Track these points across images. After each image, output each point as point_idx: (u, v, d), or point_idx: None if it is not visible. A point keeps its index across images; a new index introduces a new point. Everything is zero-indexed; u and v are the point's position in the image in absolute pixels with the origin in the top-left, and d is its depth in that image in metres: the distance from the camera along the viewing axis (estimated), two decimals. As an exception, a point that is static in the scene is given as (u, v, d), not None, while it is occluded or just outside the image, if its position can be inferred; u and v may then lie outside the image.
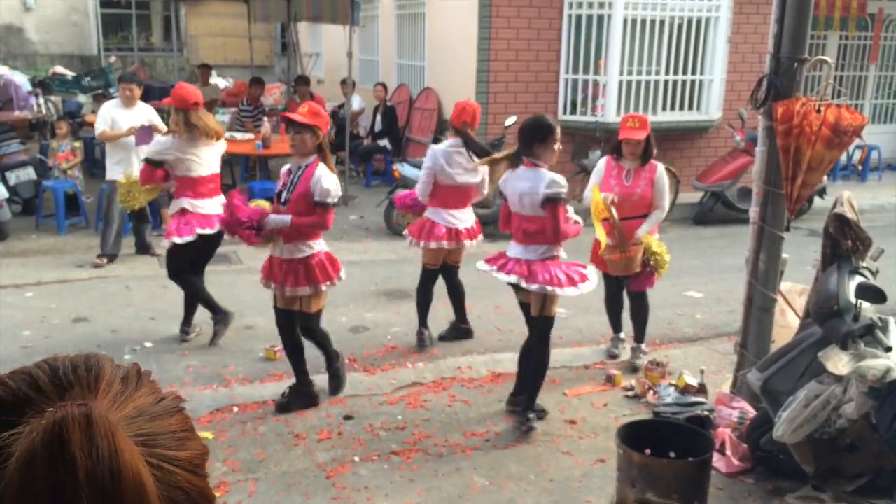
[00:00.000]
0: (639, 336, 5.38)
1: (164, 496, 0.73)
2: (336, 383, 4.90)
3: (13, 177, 8.63)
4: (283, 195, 4.46)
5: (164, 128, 7.18)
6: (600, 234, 4.71)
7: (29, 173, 8.80)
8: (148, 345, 5.54)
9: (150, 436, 0.75)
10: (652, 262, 5.00)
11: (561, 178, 4.28)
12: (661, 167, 5.09)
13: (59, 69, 16.15)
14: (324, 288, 4.60)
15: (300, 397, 4.70)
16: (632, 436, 3.41)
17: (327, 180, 4.35)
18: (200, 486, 0.79)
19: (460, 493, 3.83)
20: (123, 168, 7.09)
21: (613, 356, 5.46)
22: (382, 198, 9.44)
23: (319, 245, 4.60)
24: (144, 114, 7.23)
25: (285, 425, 4.46)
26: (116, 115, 7.10)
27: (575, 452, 4.24)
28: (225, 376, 5.06)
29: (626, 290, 5.29)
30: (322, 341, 4.80)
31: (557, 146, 4.36)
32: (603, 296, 5.40)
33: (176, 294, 6.47)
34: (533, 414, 4.44)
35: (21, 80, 12.88)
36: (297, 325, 4.68)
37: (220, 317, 5.57)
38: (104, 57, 18.34)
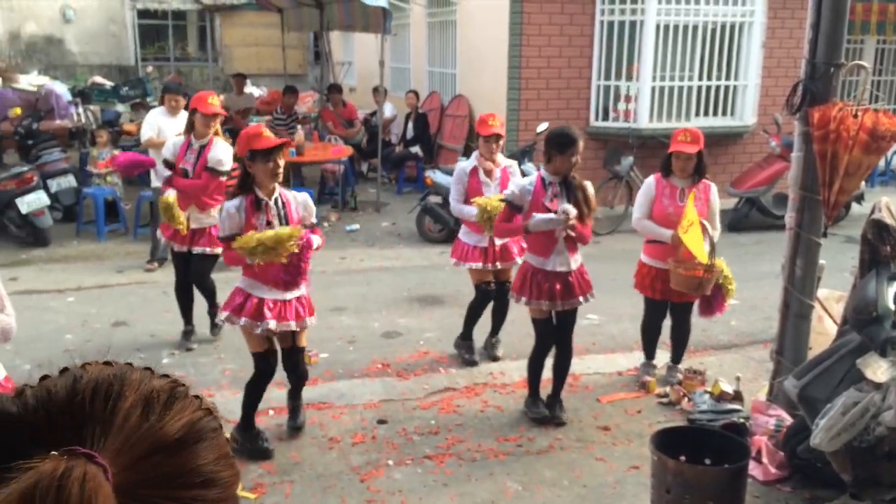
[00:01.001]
0: (677, 357, 5.23)
1: None
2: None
3: (54, 184, 8.83)
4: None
5: None
6: (698, 250, 4.41)
7: (70, 181, 8.99)
8: (193, 347, 5.63)
9: (168, 476, 0.71)
10: (723, 286, 4.82)
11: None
12: (714, 187, 4.94)
13: (98, 79, 16.51)
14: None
15: None
16: (666, 442, 3.40)
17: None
18: None
19: (493, 498, 3.84)
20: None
21: (644, 386, 5.09)
22: (414, 204, 9.50)
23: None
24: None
25: (320, 429, 4.51)
26: (162, 124, 7.18)
27: (609, 459, 4.23)
28: (260, 380, 5.12)
29: (677, 311, 5.07)
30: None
31: (575, 159, 4.33)
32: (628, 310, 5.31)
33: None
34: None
35: (61, 90, 13.17)
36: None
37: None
38: (141, 67, 18.70)
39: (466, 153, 10.10)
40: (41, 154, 9.04)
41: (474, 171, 5.34)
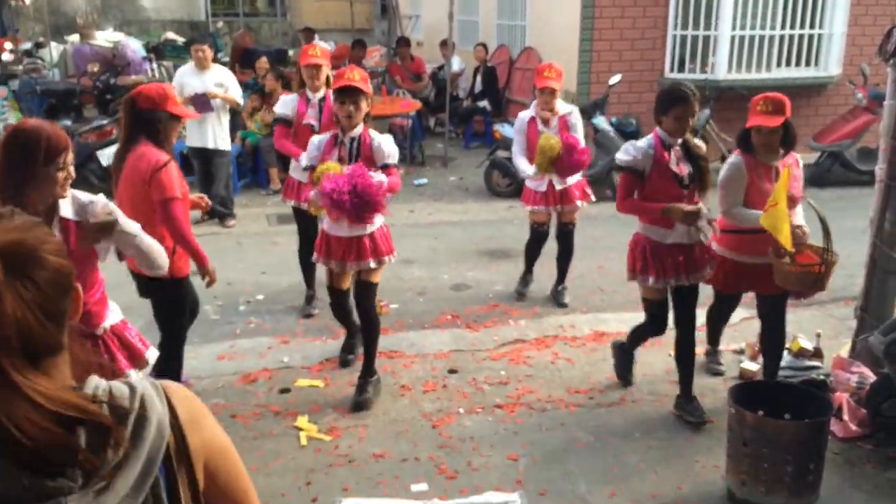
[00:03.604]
0: (770, 374, 4.32)
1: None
2: (361, 388, 4.29)
3: (132, 138, 9.05)
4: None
5: (229, 91, 7.06)
6: (783, 235, 3.63)
7: (147, 134, 9.21)
8: (260, 297, 5.76)
9: None
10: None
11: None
12: (801, 160, 4.12)
13: (171, 35, 16.76)
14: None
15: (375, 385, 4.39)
16: (744, 397, 3.33)
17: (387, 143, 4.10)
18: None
19: (565, 447, 3.84)
20: (199, 138, 7.09)
21: (719, 373, 4.64)
22: (482, 159, 9.43)
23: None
24: (216, 78, 7.11)
25: (391, 376, 4.57)
26: (186, 81, 7.01)
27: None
28: (333, 329, 5.20)
29: (767, 307, 4.21)
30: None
31: (688, 120, 3.85)
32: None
33: (284, 249, 6.72)
34: None
35: (136, 46, 13.44)
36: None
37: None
38: (212, 22, 18.91)
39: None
40: (119, 108, 9.27)
41: (532, 120, 5.47)
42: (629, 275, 4.12)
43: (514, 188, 8.78)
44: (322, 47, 5.34)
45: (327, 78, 5.09)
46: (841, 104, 9.76)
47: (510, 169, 8.72)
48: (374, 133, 4.12)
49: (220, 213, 7.51)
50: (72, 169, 2.68)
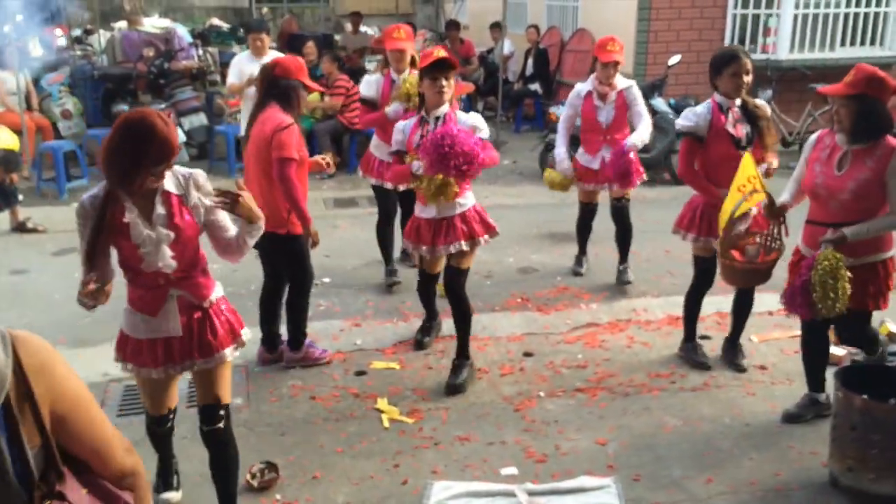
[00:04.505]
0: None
1: None
2: (457, 370, 4.21)
3: (187, 122, 9.11)
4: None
5: None
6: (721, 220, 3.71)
7: (201, 119, 9.26)
8: (326, 280, 5.74)
9: None
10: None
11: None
12: None
13: (216, 21, 16.83)
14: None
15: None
16: (850, 381, 3.22)
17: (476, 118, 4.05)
18: None
19: (653, 431, 3.76)
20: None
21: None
22: (534, 142, 9.34)
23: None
24: None
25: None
26: (245, 68, 6.94)
27: (768, 398, 4.07)
28: (403, 311, 5.17)
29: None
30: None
31: (741, 78, 3.98)
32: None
33: (344, 233, 6.70)
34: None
35: (183, 32, 13.51)
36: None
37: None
38: (255, 9, 18.95)
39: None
40: (174, 93, 9.32)
41: (589, 94, 5.39)
42: (674, 228, 4.36)
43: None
44: (406, 28, 5.26)
45: (412, 59, 5.07)
46: (907, 84, 9.48)
47: (566, 152, 8.62)
48: (459, 112, 4.07)
49: None
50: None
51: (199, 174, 2.78)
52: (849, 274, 3.34)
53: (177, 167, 2.76)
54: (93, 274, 2.58)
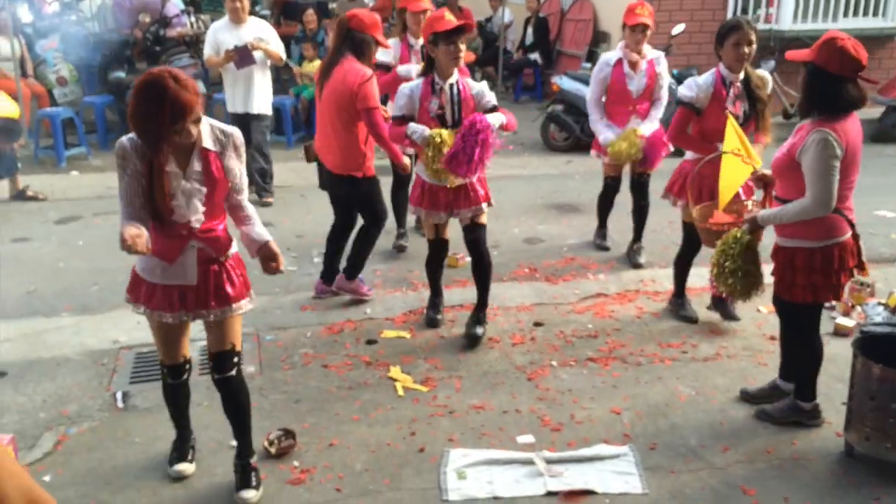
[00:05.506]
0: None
1: None
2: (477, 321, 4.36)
3: (185, 90, 8.97)
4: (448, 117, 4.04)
5: (270, 45, 6.34)
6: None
7: (199, 86, 9.12)
8: (332, 249, 5.70)
9: None
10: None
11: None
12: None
13: (209, -12, 16.53)
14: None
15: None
16: (867, 348, 3.23)
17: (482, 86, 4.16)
18: None
19: (667, 401, 3.77)
20: (242, 103, 6.37)
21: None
22: (532, 112, 9.27)
23: None
24: (254, 32, 6.39)
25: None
26: (222, 38, 6.30)
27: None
28: (411, 280, 5.16)
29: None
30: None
31: (743, 49, 3.98)
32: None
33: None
34: None
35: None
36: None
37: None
38: (248, -25, 18.62)
39: (589, 59, 9.73)
40: (171, 60, 9.19)
41: (619, 63, 5.23)
42: (664, 193, 4.46)
43: (571, 142, 8.64)
44: None
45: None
46: (908, 56, 9.47)
47: (568, 122, 8.57)
48: (468, 80, 4.05)
49: (258, 185, 6.76)
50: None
51: (238, 136, 2.82)
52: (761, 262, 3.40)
53: (217, 123, 2.81)
54: (135, 224, 2.59)
